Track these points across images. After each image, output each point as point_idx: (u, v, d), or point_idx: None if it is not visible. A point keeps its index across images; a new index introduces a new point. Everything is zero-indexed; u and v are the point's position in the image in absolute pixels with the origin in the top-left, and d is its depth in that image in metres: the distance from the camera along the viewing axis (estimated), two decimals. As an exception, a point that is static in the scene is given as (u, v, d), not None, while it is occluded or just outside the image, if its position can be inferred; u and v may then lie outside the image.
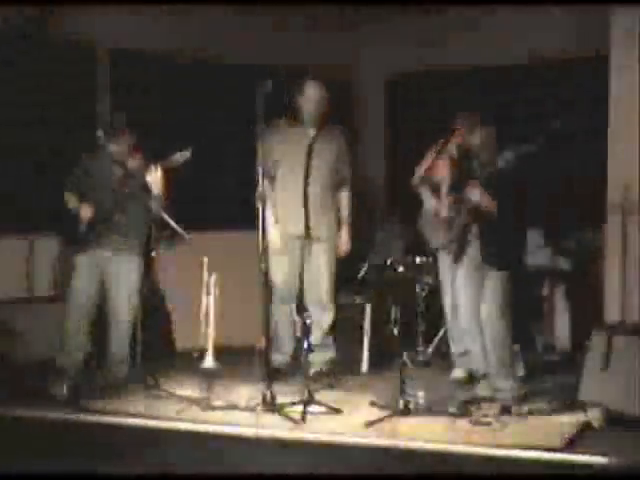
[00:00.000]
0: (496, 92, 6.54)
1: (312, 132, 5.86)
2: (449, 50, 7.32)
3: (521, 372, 5.46)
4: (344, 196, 6.03)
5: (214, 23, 6.82)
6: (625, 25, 5.65)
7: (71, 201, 5.66)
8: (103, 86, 6.46)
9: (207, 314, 5.27)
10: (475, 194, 4.98)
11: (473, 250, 5.14)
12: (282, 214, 5.86)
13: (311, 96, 5.80)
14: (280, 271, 5.84)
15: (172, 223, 5.74)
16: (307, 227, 5.81)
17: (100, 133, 5.79)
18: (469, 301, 5.22)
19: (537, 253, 6.19)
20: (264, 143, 5.63)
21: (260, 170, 5.09)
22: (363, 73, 7.86)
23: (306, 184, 5.78)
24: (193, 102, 6.75)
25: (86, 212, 5.61)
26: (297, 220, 5.80)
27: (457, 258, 5.21)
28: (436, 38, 7.40)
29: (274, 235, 5.81)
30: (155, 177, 5.57)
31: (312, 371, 5.61)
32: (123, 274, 5.64)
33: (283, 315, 5.92)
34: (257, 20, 7.03)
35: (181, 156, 5.49)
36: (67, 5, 6.01)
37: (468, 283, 5.19)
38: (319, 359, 5.86)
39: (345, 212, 6.01)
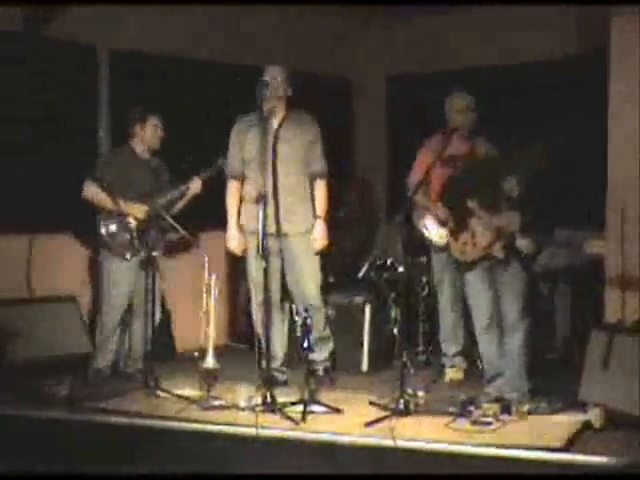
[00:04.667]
0: (496, 92, 6.53)
1: (276, 122, 5.43)
2: (449, 50, 7.32)
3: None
4: (319, 186, 5.52)
5: (214, 23, 6.83)
6: (625, 24, 5.64)
7: (101, 198, 5.64)
8: (103, 86, 6.46)
9: (207, 314, 5.27)
10: (523, 244, 4.95)
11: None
12: (251, 213, 5.37)
13: (268, 81, 5.27)
14: (258, 275, 5.33)
15: (176, 225, 5.74)
16: (278, 223, 5.37)
17: (102, 133, 5.81)
18: (486, 302, 5.20)
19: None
20: (231, 144, 5.54)
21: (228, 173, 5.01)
22: (363, 73, 7.86)
23: (275, 177, 5.34)
24: (193, 102, 6.75)
25: (139, 212, 5.65)
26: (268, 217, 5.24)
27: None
28: (436, 38, 7.41)
29: (234, 239, 5.51)
30: (197, 187, 5.81)
31: (312, 370, 5.60)
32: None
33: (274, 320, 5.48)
34: (257, 20, 7.04)
35: (221, 164, 5.63)
36: (67, 5, 6.01)
37: (485, 285, 5.17)
38: (318, 358, 5.83)
39: (321, 204, 5.51)
